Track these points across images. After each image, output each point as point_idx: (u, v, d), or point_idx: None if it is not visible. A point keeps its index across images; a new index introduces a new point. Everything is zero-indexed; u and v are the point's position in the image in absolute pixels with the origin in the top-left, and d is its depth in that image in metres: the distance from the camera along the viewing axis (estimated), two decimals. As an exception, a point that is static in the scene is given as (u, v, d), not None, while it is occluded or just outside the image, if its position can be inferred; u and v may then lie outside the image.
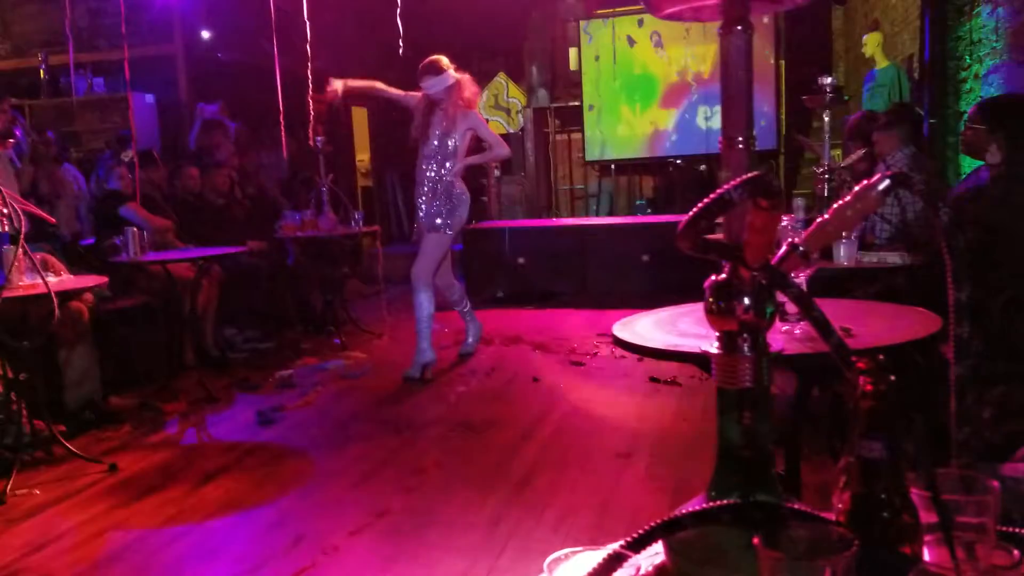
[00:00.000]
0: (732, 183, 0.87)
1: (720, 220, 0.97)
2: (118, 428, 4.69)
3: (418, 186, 5.73)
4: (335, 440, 4.44)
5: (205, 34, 9.23)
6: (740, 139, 1.06)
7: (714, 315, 0.95)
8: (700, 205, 0.88)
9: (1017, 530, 0.95)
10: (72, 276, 4.62)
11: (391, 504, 3.49)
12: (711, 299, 0.95)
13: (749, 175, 0.88)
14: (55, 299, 3.78)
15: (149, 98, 8.86)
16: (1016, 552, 0.83)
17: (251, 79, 8.52)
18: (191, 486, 3.85)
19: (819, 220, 0.96)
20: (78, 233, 6.34)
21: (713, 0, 1.06)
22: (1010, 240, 3.26)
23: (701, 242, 0.90)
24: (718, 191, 0.88)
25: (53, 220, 5.12)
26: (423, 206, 5.68)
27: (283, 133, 7.20)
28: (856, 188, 0.95)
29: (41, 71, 8.90)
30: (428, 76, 5.55)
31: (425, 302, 5.59)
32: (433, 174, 5.63)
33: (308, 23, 6.75)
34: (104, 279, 4.69)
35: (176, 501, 3.67)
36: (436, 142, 5.62)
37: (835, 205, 0.95)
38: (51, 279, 4.05)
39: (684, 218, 0.90)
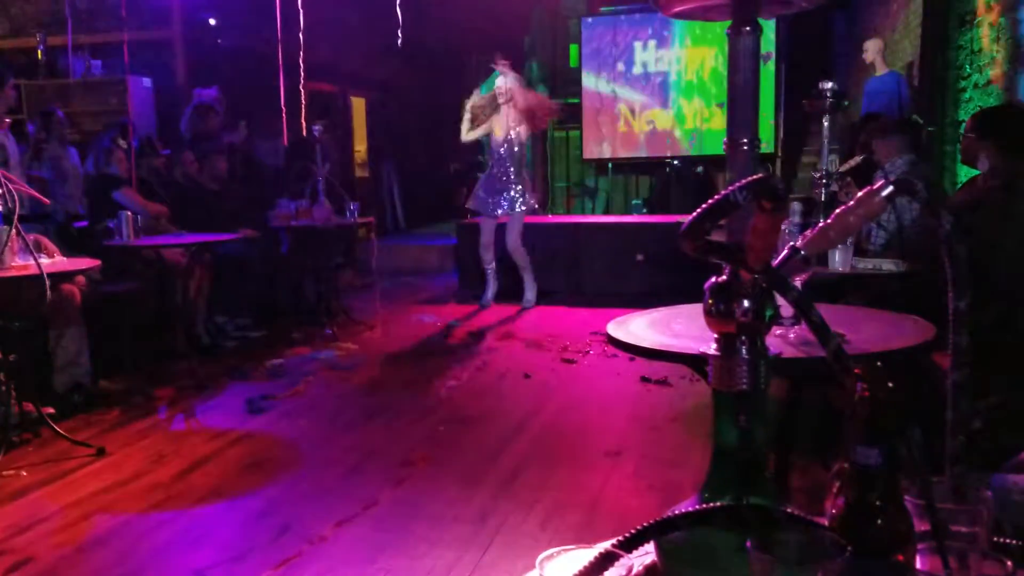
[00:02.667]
0: (736, 185, 0.87)
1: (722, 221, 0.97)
2: (107, 412, 4.68)
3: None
4: (324, 430, 4.44)
5: (211, 21, 9.19)
6: (744, 141, 1.06)
7: (713, 317, 0.95)
8: (704, 206, 0.88)
9: (1009, 540, 0.96)
10: (65, 258, 4.60)
11: (379, 496, 3.49)
12: (711, 301, 0.94)
13: (754, 177, 0.87)
14: (47, 281, 3.76)
15: (146, 82, 8.83)
16: (1008, 563, 0.83)
17: (249, 65, 8.50)
18: (178, 472, 3.84)
19: (821, 225, 0.96)
20: (73, 215, 6.31)
21: (722, 0, 1.05)
22: (1006, 250, 3.27)
23: (703, 243, 0.90)
24: (722, 193, 0.88)
25: (47, 201, 5.09)
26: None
27: (284, 121, 7.18)
28: (859, 194, 0.94)
29: (39, 51, 8.86)
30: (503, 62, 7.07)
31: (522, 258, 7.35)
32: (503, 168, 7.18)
33: (302, 12, 6.73)
34: (97, 262, 4.66)
35: (163, 487, 3.66)
36: (506, 137, 7.12)
37: (838, 210, 0.95)
38: (44, 261, 4.02)
39: (683, 219, 0.90)
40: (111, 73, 8.82)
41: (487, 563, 2.88)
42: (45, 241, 4.64)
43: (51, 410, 4.36)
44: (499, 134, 7.23)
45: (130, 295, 5.64)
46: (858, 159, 4.85)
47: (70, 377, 4.71)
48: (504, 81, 7.16)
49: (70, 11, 6.94)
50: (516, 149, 7.25)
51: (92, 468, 3.89)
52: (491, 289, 7.66)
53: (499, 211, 7.33)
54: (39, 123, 6.46)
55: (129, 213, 5.37)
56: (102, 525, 3.27)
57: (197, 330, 6.10)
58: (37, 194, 4.55)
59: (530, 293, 7.60)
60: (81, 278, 4.87)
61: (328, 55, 10.51)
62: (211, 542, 3.14)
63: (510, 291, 7.70)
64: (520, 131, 7.21)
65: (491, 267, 7.61)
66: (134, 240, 5.33)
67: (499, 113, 7.19)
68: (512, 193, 7.24)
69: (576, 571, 0.81)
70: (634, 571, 0.96)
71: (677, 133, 11.29)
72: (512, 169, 7.24)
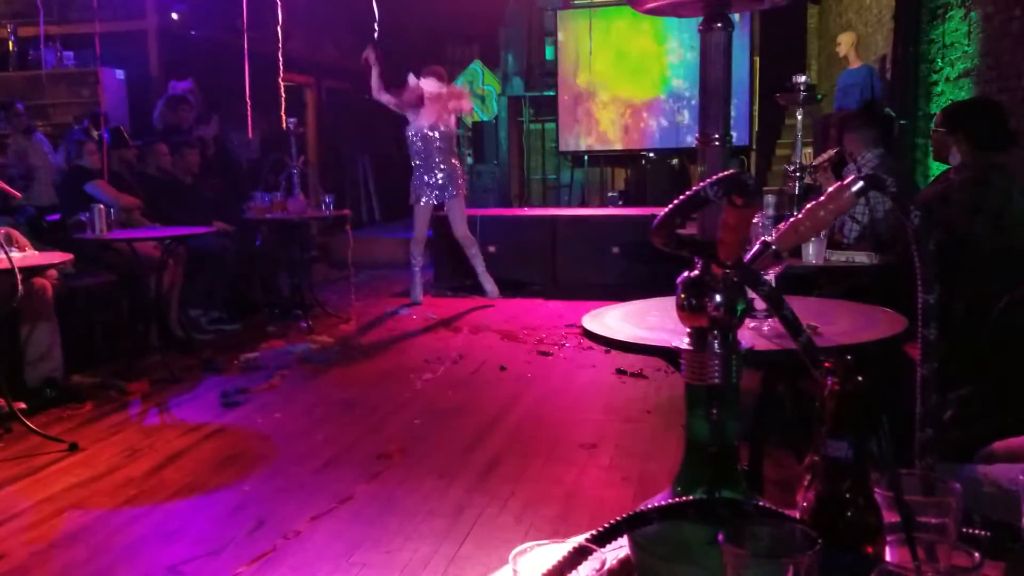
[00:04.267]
0: (707, 181, 0.87)
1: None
2: (79, 407, 4.64)
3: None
4: (299, 424, 4.42)
5: (174, 15, 9.10)
6: (716, 136, 1.06)
7: (685, 311, 0.95)
8: (675, 202, 0.88)
9: (978, 532, 0.97)
10: (37, 252, 4.55)
11: (354, 490, 3.48)
12: (683, 295, 0.95)
13: (724, 173, 0.88)
14: (19, 275, 3.72)
15: (119, 73, 8.73)
16: (976, 554, 0.84)
17: (224, 57, 8.42)
18: (152, 467, 3.81)
19: (793, 219, 0.97)
20: (44, 208, 6.24)
21: (694, -4, 1.05)
22: (976, 242, 3.31)
23: (675, 238, 0.90)
24: (693, 188, 0.88)
25: (18, 195, 5.03)
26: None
27: (250, 113, 7.13)
28: (830, 189, 0.95)
29: (10, 42, 8.74)
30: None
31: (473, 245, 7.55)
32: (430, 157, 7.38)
33: (280, 3, 6.69)
34: (69, 256, 4.62)
35: (136, 482, 3.64)
36: (433, 126, 7.30)
37: (809, 205, 0.96)
38: (15, 254, 3.99)
39: (658, 211, 0.90)
40: (83, 64, 8.72)
41: (463, 556, 2.89)
42: (16, 234, 4.59)
43: (23, 405, 4.32)
44: (424, 124, 7.32)
45: (103, 289, 5.60)
46: (831, 152, 4.88)
47: (42, 371, 4.67)
48: (436, 87, 7.35)
49: (42, 1, 6.85)
50: (446, 139, 7.40)
51: (64, 463, 3.85)
52: (420, 286, 7.65)
53: (433, 200, 7.45)
54: (1, 116, 6.39)
55: (101, 206, 5.31)
56: (75, 521, 3.25)
57: (171, 324, 6.06)
58: (7, 187, 4.50)
59: (488, 284, 7.62)
60: (53, 272, 4.83)
61: (303, 47, 10.45)
62: (185, 537, 3.13)
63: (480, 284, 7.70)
64: (451, 121, 7.44)
65: (420, 264, 7.61)
66: (106, 233, 5.28)
67: (424, 107, 7.33)
68: (441, 180, 7.36)
69: (549, 566, 0.81)
70: (607, 565, 0.96)
71: (652, 125, 11.31)
72: (440, 158, 7.36)
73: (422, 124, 7.33)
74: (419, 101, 7.33)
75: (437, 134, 7.31)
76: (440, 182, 7.37)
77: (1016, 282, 2.86)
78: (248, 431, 4.35)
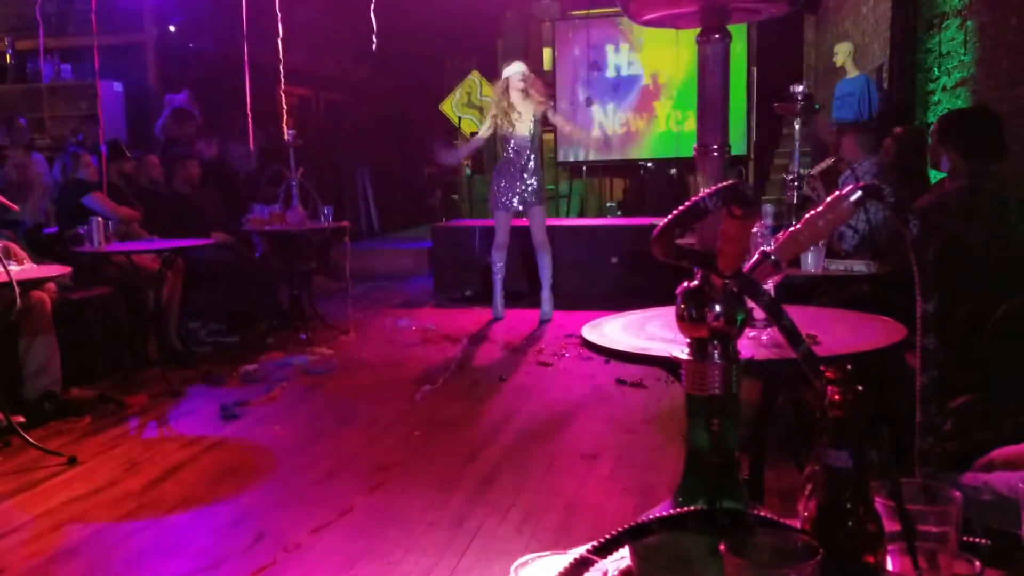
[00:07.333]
0: (707, 191, 0.87)
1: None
2: (78, 420, 4.63)
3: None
4: (299, 436, 4.41)
5: (173, 27, 9.14)
6: (715, 146, 1.07)
7: (685, 322, 0.95)
8: (675, 213, 0.89)
9: (978, 540, 0.97)
10: (35, 265, 4.55)
11: (355, 502, 3.47)
12: (683, 306, 0.95)
13: (724, 184, 0.88)
14: (17, 288, 3.72)
15: (117, 86, 8.75)
16: (977, 562, 0.84)
17: (221, 69, 8.45)
18: (151, 480, 3.80)
19: (791, 230, 0.97)
20: (42, 222, 6.25)
21: (691, 8, 1.06)
22: (973, 251, 3.32)
23: (675, 248, 0.91)
24: (693, 199, 0.88)
25: (16, 207, 5.03)
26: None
27: (250, 125, 7.13)
28: (828, 198, 0.95)
29: (7, 56, 8.76)
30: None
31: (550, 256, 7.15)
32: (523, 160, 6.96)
33: (280, 15, 6.71)
34: (67, 269, 4.62)
35: (136, 495, 3.63)
36: (528, 128, 6.93)
37: (807, 215, 0.96)
38: (13, 267, 3.99)
39: (657, 221, 0.91)
40: (81, 77, 8.74)
41: (464, 568, 2.88)
42: (14, 248, 4.59)
43: (21, 419, 4.31)
44: (519, 127, 6.91)
45: (101, 302, 5.59)
46: (829, 161, 4.90)
47: (41, 385, 4.65)
48: (521, 72, 6.89)
49: (40, 14, 6.86)
50: (537, 140, 7.03)
51: (63, 477, 3.84)
52: (502, 296, 7.29)
53: (521, 206, 6.99)
54: (1, 129, 6.40)
55: (99, 218, 5.31)
56: (74, 535, 3.24)
57: (170, 336, 6.05)
58: (5, 200, 4.50)
59: (548, 305, 7.21)
60: (51, 285, 4.83)
61: (302, 59, 10.47)
62: (185, 551, 3.12)
63: (484, 293, 7.69)
64: (539, 119, 7.02)
65: (502, 273, 7.20)
66: (105, 246, 5.27)
67: (513, 107, 6.89)
68: (536, 185, 6.98)
69: (550, 577, 0.81)
70: (609, 576, 0.96)
71: (650, 136, 11.34)
72: (534, 160, 6.97)
73: (514, 125, 6.90)
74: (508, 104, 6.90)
75: (528, 134, 6.93)
76: (528, 188, 6.93)
77: (1013, 290, 2.86)
78: (247, 444, 4.34)
